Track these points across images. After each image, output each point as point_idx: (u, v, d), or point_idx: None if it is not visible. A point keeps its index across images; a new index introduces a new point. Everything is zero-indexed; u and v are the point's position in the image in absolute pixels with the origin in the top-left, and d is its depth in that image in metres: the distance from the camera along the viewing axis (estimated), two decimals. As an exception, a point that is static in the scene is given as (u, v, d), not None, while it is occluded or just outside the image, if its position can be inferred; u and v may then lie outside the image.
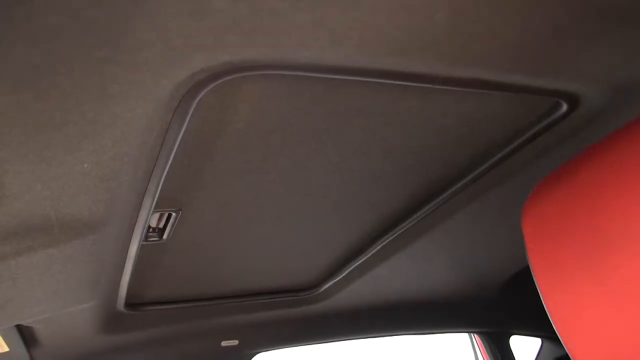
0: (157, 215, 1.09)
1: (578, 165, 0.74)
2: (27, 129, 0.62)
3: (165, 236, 1.17)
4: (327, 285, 1.72)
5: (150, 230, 1.15)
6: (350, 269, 1.60)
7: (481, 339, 2.31)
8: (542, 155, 1.08)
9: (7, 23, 0.47)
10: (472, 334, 2.41)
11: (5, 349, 1.45)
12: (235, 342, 1.82)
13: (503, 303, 2.24)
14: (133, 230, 1.00)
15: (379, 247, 1.47)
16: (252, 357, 1.89)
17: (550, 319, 0.73)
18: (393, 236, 1.42)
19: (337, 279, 1.67)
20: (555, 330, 0.72)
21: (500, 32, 0.68)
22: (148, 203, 0.92)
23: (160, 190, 0.91)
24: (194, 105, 0.69)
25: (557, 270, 0.71)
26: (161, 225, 1.15)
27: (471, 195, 1.25)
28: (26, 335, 1.44)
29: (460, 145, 1.06)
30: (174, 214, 1.09)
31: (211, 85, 0.66)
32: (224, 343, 1.80)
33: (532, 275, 0.75)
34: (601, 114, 0.95)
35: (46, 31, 0.49)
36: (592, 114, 0.95)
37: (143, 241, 1.13)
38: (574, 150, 0.78)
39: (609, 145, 0.72)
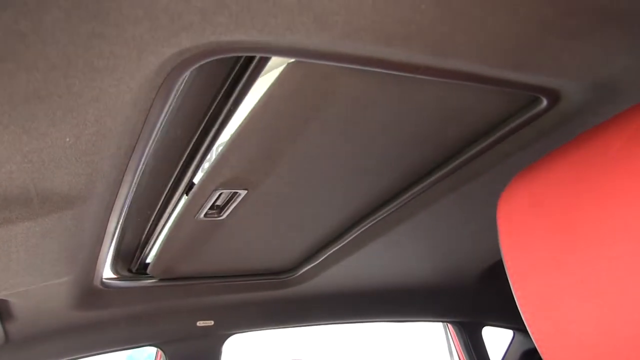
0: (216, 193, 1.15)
1: (553, 161, 0.76)
2: (11, 99, 0.61)
3: (225, 215, 1.24)
4: (304, 269, 1.73)
5: (210, 207, 1.20)
6: (328, 253, 1.61)
7: (454, 328, 2.34)
8: (522, 148, 1.10)
9: None
10: (446, 324, 2.45)
11: (-21, 321, 1.45)
12: (210, 323, 1.82)
13: (478, 294, 2.27)
14: (113, 206, 1.00)
15: (356, 233, 1.49)
16: (228, 338, 1.90)
17: (519, 310, 0.74)
18: (371, 223, 1.43)
19: (315, 263, 1.68)
20: (524, 322, 0.74)
21: (484, 26, 0.69)
22: (129, 179, 0.92)
23: (229, 170, 1.01)
24: (179, 82, 0.70)
25: (528, 263, 0.72)
26: (219, 203, 1.20)
27: (449, 185, 1.26)
28: (1, 309, 1.44)
29: (439, 135, 1.07)
30: (241, 192, 1.15)
31: (197, 64, 0.66)
32: (199, 323, 1.81)
33: (504, 266, 0.76)
34: (581, 111, 0.97)
35: (37, 1, 0.49)
36: (572, 110, 0.96)
37: (203, 217, 1.22)
38: (553, 145, 0.80)
39: (584, 141, 0.74)
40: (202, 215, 1.23)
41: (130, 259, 1.52)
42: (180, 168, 1.07)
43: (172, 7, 0.54)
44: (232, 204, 1.20)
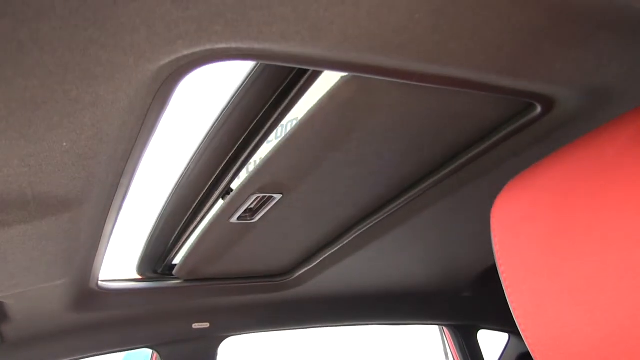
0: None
1: (547, 166, 0.76)
2: (9, 104, 0.62)
3: (257, 218, 1.28)
4: (300, 272, 1.74)
5: (244, 211, 1.24)
6: (324, 256, 1.61)
7: (449, 332, 2.34)
8: (516, 154, 1.10)
9: None
10: (442, 327, 2.45)
11: (-25, 323, 1.45)
12: (206, 325, 1.82)
13: (473, 298, 2.28)
14: (109, 210, 1.00)
15: (352, 237, 1.49)
16: (223, 341, 1.90)
17: (513, 314, 0.75)
18: (367, 227, 1.44)
19: (311, 266, 1.69)
20: (518, 326, 0.74)
21: (478, 34, 0.70)
22: (125, 183, 0.92)
23: (270, 175, 1.06)
24: (176, 88, 0.70)
25: (521, 268, 0.73)
26: (252, 206, 1.24)
27: (444, 190, 1.27)
28: (-4, 310, 1.44)
29: (435, 141, 1.08)
30: (276, 197, 1.19)
31: (193, 70, 0.67)
32: (195, 325, 1.81)
33: (498, 271, 0.77)
34: (574, 117, 0.97)
35: (35, 10, 0.50)
36: (566, 116, 0.97)
37: (236, 220, 1.26)
38: (547, 151, 0.80)
39: (578, 148, 0.74)
40: (235, 218, 1.27)
41: (156, 260, 1.56)
42: (219, 173, 1.11)
43: (169, 15, 0.55)
44: (265, 207, 1.23)
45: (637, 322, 0.58)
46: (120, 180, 0.90)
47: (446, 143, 1.11)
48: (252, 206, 1.23)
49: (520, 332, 0.74)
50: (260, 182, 1.12)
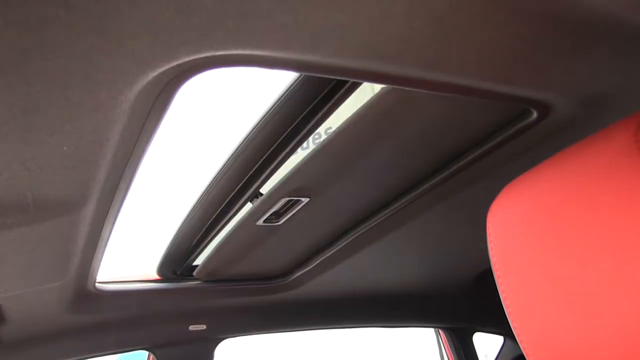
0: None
1: (542, 172, 0.77)
2: (11, 109, 0.62)
3: (282, 220, 1.30)
4: (296, 275, 1.74)
5: (271, 214, 1.26)
6: (321, 259, 1.62)
7: (445, 334, 2.35)
8: (512, 159, 1.11)
9: (1, 8, 0.48)
10: (437, 330, 2.46)
11: (-28, 324, 1.45)
12: (203, 327, 1.82)
13: (469, 301, 2.28)
14: (108, 213, 1.01)
15: (349, 240, 1.50)
16: (220, 343, 1.90)
17: (507, 317, 0.76)
18: (363, 230, 1.45)
19: (307, 269, 1.69)
20: (512, 329, 0.75)
21: (475, 41, 0.70)
22: (124, 186, 0.93)
23: (300, 180, 1.10)
24: (176, 93, 0.71)
25: (516, 271, 0.74)
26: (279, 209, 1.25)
27: (441, 194, 1.28)
28: (-7, 312, 1.44)
29: (432, 145, 1.09)
30: (303, 200, 1.21)
31: (194, 76, 0.68)
32: (191, 327, 1.81)
33: (493, 275, 0.77)
34: (570, 124, 0.98)
35: (39, 19, 0.50)
36: (561, 123, 0.98)
37: (262, 223, 1.28)
38: (542, 157, 0.81)
39: (573, 154, 0.75)
40: (262, 221, 1.28)
41: (178, 262, 1.58)
42: (249, 177, 1.13)
43: (171, 23, 0.55)
44: (291, 210, 1.25)
45: (630, 326, 0.59)
46: (119, 184, 0.91)
47: (443, 148, 1.12)
48: (279, 209, 1.25)
49: (515, 335, 0.75)
50: (291, 186, 1.14)
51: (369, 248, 1.57)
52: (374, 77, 0.76)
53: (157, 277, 1.66)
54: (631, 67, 0.84)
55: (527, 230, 0.74)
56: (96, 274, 1.38)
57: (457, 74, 0.78)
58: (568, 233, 0.67)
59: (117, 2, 0.51)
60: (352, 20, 0.61)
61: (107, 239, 1.16)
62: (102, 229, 1.08)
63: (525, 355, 0.74)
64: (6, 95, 0.60)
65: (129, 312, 1.69)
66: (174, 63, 0.62)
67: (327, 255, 1.59)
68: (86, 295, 1.48)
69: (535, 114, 0.95)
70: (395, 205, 1.33)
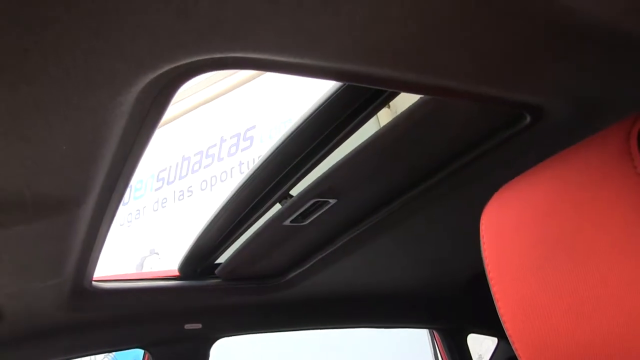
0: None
1: (536, 176, 0.78)
2: (9, 108, 0.63)
3: (307, 221, 1.31)
4: (292, 275, 1.75)
5: (298, 214, 1.27)
6: (316, 260, 1.63)
7: (439, 335, 2.35)
8: (505, 163, 1.12)
9: (3, 9, 0.49)
10: (431, 331, 2.46)
11: (-33, 322, 1.45)
12: (198, 326, 1.83)
13: (463, 302, 2.29)
14: (105, 211, 1.01)
15: (344, 240, 1.51)
16: (215, 342, 1.90)
17: (500, 319, 0.77)
18: (358, 231, 1.46)
19: (302, 269, 1.70)
20: (505, 331, 0.76)
21: (469, 45, 0.71)
22: (122, 185, 0.93)
23: (331, 182, 1.12)
24: (173, 94, 0.72)
25: (509, 274, 0.75)
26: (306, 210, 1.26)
27: (435, 197, 1.29)
28: (-11, 309, 1.44)
29: (425, 148, 1.10)
30: (331, 202, 1.22)
31: (191, 77, 0.69)
32: (187, 326, 1.81)
33: (487, 277, 0.78)
34: (564, 128, 0.99)
35: (42, 19, 0.51)
36: (555, 127, 0.99)
37: (289, 223, 1.30)
38: (536, 161, 0.82)
39: (566, 158, 0.76)
40: (289, 221, 1.29)
41: (200, 260, 1.59)
42: (280, 179, 1.14)
43: (171, 27, 0.56)
44: (318, 211, 1.26)
45: (622, 329, 0.60)
46: (117, 183, 0.91)
47: (436, 151, 1.12)
48: (306, 210, 1.26)
49: (508, 336, 0.76)
50: (322, 188, 1.16)
51: (363, 249, 1.58)
52: (369, 81, 0.77)
53: (154, 275, 1.66)
54: (624, 72, 0.85)
55: (520, 233, 0.75)
56: (93, 272, 1.38)
57: (449, 77, 0.78)
58: (560, 236, 0.68)
59: (117, 6, 0.52)
60: (347, 23, 0.62)
61: (105, 237, 1.16)
62: (99, 227, 1.09)
63: (518, 356, 0.75)
64: (6, 93, 0.61)
65: (125, 311, 1.69)
66: (173, 65, 0.63)
67: (322, 256, 1.59)
68: (82, 293, 1.48)
69: (528, 118, 0.96)
70: (390, 207, 1.34)
